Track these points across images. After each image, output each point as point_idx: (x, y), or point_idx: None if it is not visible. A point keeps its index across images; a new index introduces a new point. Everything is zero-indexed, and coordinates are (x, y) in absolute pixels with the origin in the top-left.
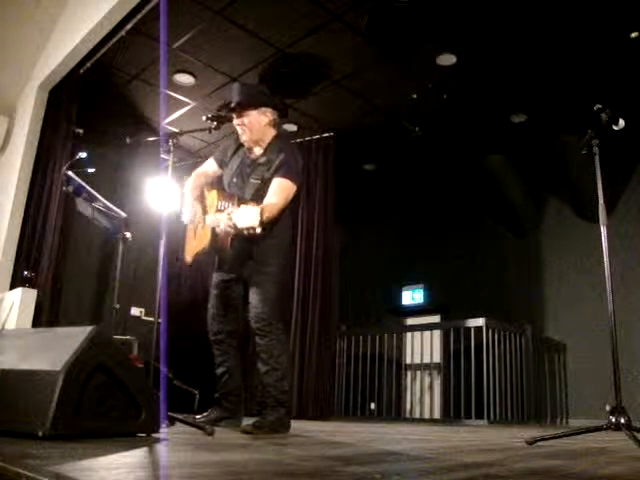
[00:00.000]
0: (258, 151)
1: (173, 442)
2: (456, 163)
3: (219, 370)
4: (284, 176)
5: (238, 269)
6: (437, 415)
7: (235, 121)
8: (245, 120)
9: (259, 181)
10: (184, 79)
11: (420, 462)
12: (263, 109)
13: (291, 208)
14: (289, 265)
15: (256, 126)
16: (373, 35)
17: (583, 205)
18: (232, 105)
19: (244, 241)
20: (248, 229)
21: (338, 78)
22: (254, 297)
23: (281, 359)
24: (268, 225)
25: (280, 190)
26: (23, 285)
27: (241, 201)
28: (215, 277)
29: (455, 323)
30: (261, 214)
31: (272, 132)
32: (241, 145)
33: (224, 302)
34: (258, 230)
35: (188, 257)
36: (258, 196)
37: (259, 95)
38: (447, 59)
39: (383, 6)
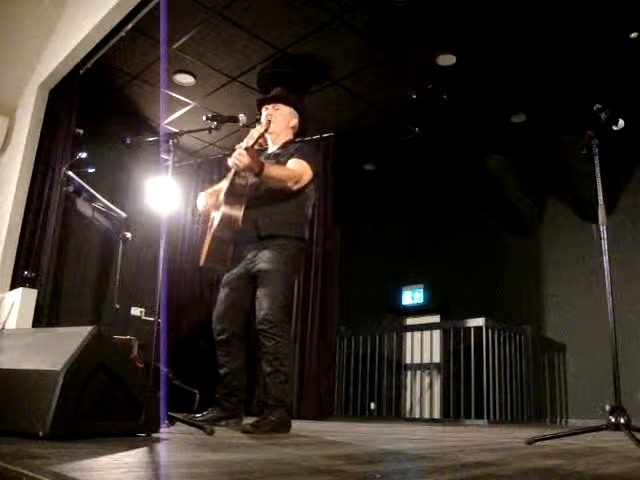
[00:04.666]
0: (273, 147)
1: (173, 442)
2: (456, 163)
3: (222, 370)
4: (300, 157)
5: (248, 269)
6: (437, 415)
7: (266, 111)
8: (276, 111)
9: (274, 162)
10: (184, 79)
11: (420, 462)
12: (294, 112)
13: (307, 209)
14: (298, 268)
15: (282, 122)
16: (373, 35)
17: (583, 205)
18: (272, 94)
19: (254, 242)
20: (239, 164)
21: (338, 78)
22: (262, 299)
23: (286, 361)
24: (264, 178)
25: (293, 164)
26: (23, 285)
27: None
28: (225, 277)
29: (455, 323)
30: (261, 165)
31: (290, 136)
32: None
33: (231, 302)
34: (249, 175)
35: (202, 260)
36: None
37: (297, 100)
38: (447, 59)
39: (383, 6)
